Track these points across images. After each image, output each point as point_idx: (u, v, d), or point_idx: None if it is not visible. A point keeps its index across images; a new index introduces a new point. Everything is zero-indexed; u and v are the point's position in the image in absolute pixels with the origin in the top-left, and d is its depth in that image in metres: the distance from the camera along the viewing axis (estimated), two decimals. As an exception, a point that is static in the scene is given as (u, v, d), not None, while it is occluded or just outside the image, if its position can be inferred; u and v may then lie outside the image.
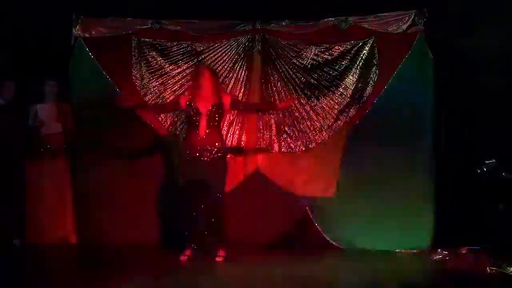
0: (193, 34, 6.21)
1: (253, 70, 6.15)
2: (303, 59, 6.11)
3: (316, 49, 6.11)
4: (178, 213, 5.50)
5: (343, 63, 6.08)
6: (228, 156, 5.35)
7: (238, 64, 6.17)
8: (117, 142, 6.08)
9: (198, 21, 6.20)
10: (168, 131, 6.10)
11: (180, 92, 6.13)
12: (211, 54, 6.17)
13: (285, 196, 6.09)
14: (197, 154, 5.20)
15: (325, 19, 6.11)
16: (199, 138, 5.21)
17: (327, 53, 6.11)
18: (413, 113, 5.94)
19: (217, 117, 5.28)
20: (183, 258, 5.22)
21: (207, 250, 5.30)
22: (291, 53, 6.14)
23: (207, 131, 5.21)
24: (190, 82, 5.74)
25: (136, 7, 6.09)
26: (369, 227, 5.91)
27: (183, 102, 5.37)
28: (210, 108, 5.23)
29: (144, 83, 6.19)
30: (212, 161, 5.22)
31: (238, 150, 5.90)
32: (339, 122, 6.07)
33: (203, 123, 5.22)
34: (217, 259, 5.22)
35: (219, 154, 5.24)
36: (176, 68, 6.21)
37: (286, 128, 6.12)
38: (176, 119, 6.10)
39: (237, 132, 6.12)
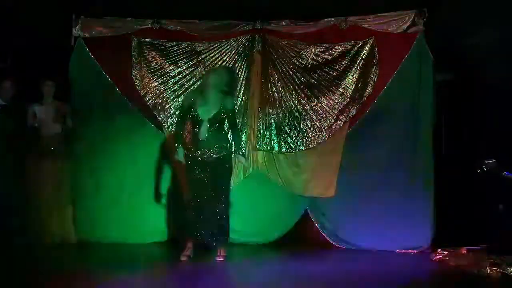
0: (193, 34, 6.22)
1: (253, 70, 6.15)
2: (303, 59, 6.11)
3: (316, 49, 6.11)
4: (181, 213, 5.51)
5: (343, 63, 6.08)
6: (232, 156, 5.33)
7: (238, 64, 6.17)
8: (118, 142, 6.08)
9: (198, 21, 6.20)
10: (169, 131, 6.09)
11: (181, 92, 6.15)
12: (211, 54, 6.17)
13: (285, 196, 6.09)
14: (200, 154, 5.20)
15: (325, 19, 6.11)
16: (200, 140, 5.20)
17: (327, 53, 6.11)
18: (413, 113, 5.93)
19: (219, 122, 5.26)
20: (184, 257, 5.21)
21: (208, 250, 5.29)
22: (291, 53, 6.14)
23: (208, 133, 5.20)
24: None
25: (136, 7, 6.09)
26: (369, 227, 5.91)
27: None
28: (212, 114, 5.20)
29: (144, 83, 6.19)
30: (216, 161, 5.21)
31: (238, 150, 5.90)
32: (339, 122, 6.07)
33: (204, 127, 5.20)
34: (218, 259, 5.21)
35: (222, 155, 5.23)
36: (176, 68, 6.21)
37: (286, 128, 6.12)
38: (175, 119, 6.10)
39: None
